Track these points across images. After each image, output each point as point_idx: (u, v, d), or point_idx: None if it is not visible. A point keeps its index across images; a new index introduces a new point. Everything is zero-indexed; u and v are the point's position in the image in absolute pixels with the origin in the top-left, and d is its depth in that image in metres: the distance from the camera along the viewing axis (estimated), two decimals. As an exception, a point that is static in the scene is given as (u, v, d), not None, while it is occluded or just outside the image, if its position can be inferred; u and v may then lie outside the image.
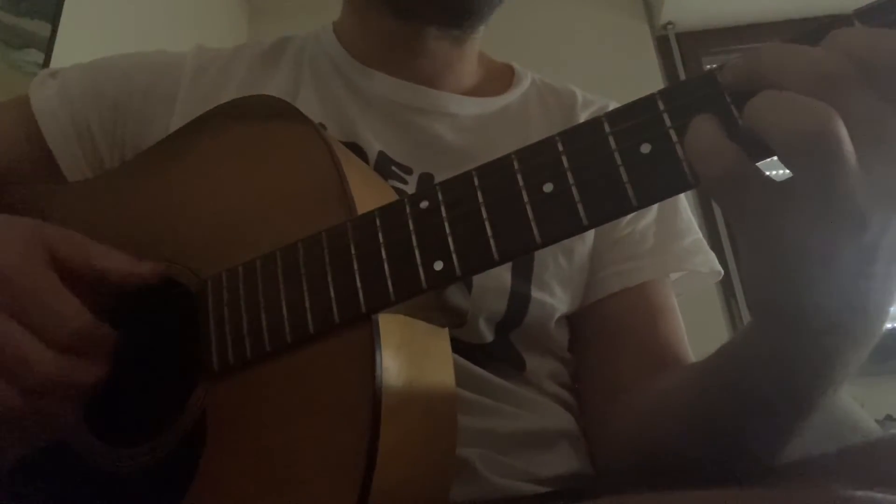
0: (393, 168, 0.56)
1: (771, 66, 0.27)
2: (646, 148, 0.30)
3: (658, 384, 0.51)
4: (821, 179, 0.26)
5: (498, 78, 0.67)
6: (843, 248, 0.28)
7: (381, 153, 0.57)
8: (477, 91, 0.65)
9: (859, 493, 0.23)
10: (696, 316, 0.61)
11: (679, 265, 0.59)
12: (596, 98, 0.67)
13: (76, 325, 0.38)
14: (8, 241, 0.40)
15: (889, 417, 1.56)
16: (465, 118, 0.61)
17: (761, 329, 0.36)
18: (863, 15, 0.27)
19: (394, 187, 0.54)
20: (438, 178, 0.56)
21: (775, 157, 0.28)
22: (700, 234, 0.62)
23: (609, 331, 0.58)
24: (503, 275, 0.53)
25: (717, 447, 0.42)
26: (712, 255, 0.61)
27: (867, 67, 0.26)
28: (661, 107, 0.30)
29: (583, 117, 0.64)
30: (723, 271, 0.61)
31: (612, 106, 0.66)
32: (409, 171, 0.57)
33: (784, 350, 0.34)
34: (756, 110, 0.27)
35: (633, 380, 0.54)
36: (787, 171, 0.27)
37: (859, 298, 0.30)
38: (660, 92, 0.30)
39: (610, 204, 0.30)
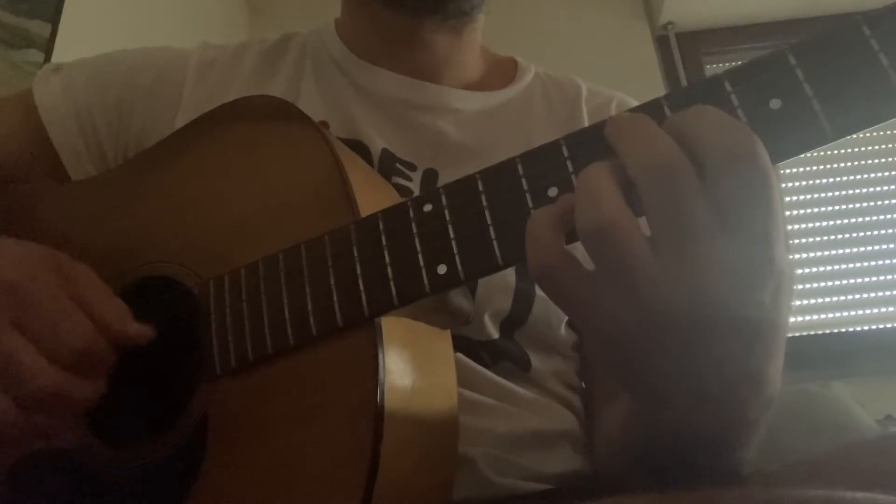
0: (397, 165, 0.56)
1: (610, 138, 0.29)
2: None
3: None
4: (613, 274, 0.27)
5: (501, 71, 0.67)
6: (654, 332, 0.28)
7: (384, 150, 0.56)
8: (480, 85, 0.64)
9: (861, 494, 0.23)
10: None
11: None
12: (602, 90, 0.66)
13: (81, 343, 0.38)
14: (24, 257, 0.40)
15: (889, 417, 1.56)
16: (469, 113, 0.61)
17: (627, 400, 0.37)
18: (870, 20, 0.27)
19: (398, 184, 0.53)
20: (443, 175, 0.56)
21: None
22: None
23: None
24: (508, 272, 0.53)
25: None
26: None
27: (693, 155, 0.27)
28: (667, 112, 0.30)
29: (587, 110, 0.63)
30: None
31: (618, 98, 0.65)
32: (413, 168, 0.56)
33: (656, 421, 0.35)
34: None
35: None
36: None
37: (689, 376, 0.30)
38: (665, 96, 0.30)
39: None
